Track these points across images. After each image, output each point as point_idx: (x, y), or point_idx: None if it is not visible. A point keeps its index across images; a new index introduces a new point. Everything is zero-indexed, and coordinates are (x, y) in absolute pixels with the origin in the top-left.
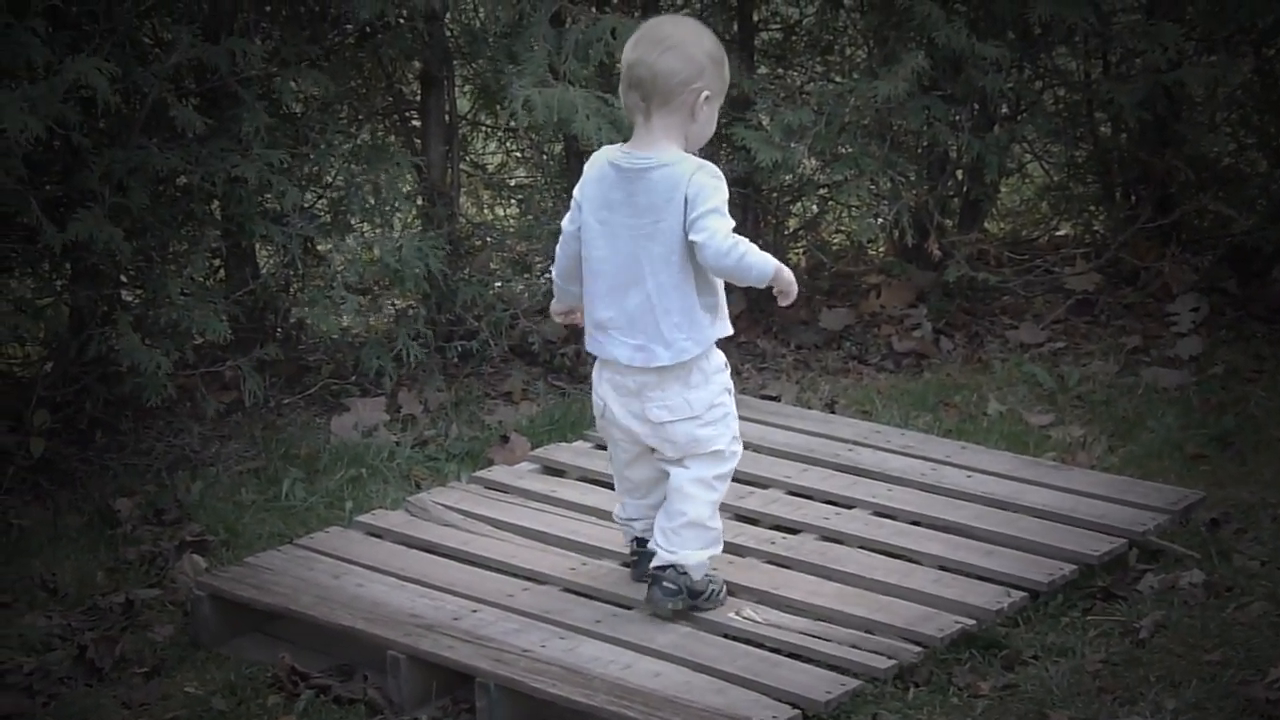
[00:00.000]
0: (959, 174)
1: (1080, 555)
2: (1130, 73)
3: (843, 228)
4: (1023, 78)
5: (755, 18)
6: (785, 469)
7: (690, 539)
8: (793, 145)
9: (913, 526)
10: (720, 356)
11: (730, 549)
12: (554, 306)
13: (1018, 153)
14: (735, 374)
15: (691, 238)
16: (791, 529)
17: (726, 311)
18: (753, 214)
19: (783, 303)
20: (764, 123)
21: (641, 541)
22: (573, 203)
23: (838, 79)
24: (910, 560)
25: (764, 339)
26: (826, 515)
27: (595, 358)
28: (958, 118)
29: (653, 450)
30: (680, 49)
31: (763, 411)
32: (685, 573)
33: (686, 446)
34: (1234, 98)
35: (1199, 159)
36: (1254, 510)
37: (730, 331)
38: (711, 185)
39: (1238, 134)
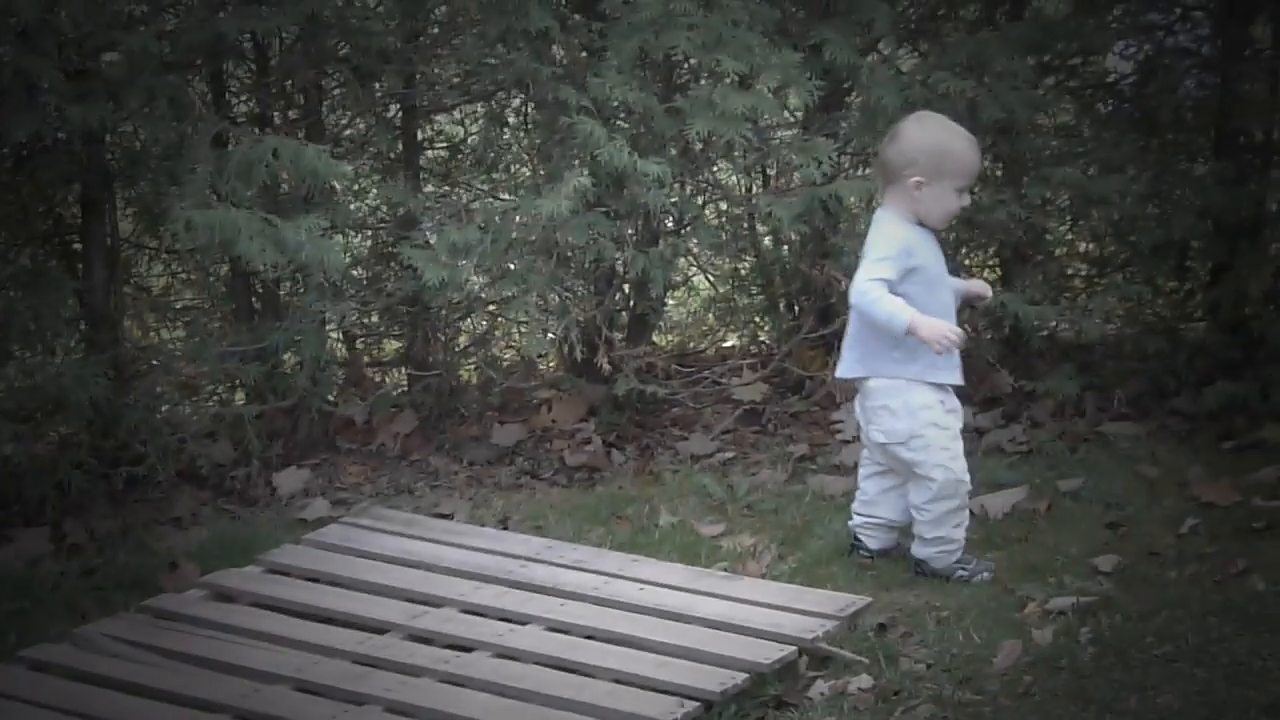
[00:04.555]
0: (626, 288)
1: (752, 664)
2: (789, 186)
3: (513, 344)
4: (685, 193)
5: (420, 136)
6: (459, 587)
7: (922, 546)
8: (460, 263)
9: (587, 641)
10: (927, 396)
11: (403, 669)
12: None
13: (683, 266)
14: (408, 493)
15: None
16: (466, 647)
17: (933, 359)
18: (422, 332)
19: (935, 350)
20: (430, 241)
21: (859, 538)
22: None
23: (504, 196)
24: (585, 674)
25: (436, 456)
26: (500, 632)
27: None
28: (623, 233)
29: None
30: (899, 142)
31: (436, 530)
32: (926, 561)
33: (900, 467)
34: None
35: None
36: (919, 613)
37: (935, 379)
38: (874, 235)
39: None
